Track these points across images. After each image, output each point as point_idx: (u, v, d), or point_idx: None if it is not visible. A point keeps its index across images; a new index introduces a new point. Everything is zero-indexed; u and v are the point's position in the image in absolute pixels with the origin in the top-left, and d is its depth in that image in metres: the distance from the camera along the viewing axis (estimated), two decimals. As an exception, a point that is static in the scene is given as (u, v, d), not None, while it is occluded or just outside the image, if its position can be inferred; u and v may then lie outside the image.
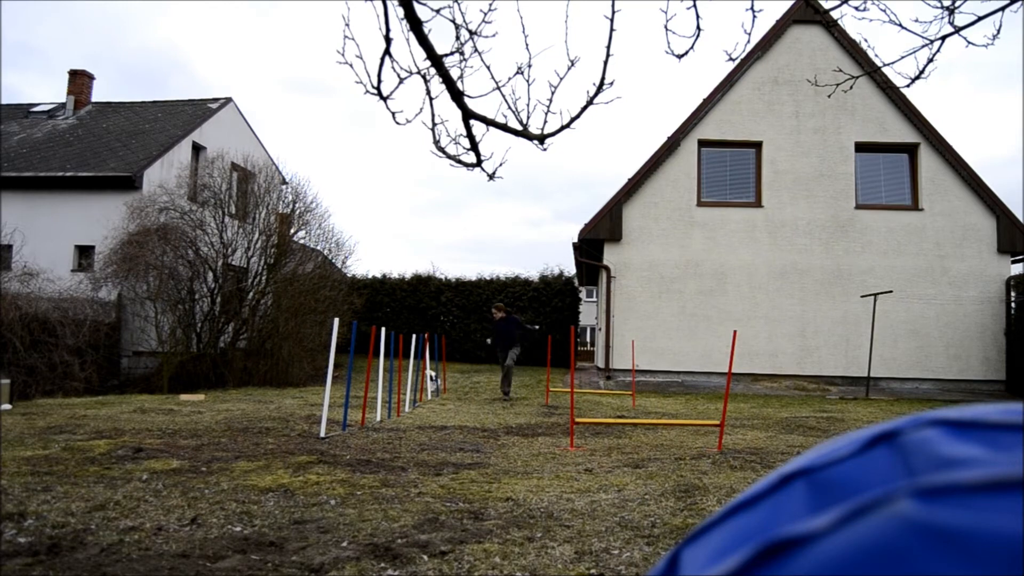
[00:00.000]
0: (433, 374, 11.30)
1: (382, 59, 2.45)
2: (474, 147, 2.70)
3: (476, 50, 2.50)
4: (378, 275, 20.98)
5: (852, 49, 13.38)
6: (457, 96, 2.52)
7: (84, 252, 15.71)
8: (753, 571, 0.23)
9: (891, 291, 13.27)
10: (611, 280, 13.99)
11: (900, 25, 3.46)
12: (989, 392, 13.41)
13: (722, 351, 13.28)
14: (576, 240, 14.74)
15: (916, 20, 3.50)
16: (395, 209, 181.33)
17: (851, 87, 4.86)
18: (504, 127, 2.59)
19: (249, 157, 17.61)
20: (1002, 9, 3.41)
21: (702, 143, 14.35)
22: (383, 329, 8.11)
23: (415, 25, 2.32)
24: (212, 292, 15.00)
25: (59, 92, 26.51)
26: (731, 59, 3.13)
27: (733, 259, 13.95)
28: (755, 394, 12.43)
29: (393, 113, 2.58)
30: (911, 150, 14.15)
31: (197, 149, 17.74)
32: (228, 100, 19.21)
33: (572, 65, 2.54)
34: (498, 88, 2.52)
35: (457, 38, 2.47)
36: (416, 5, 2.29)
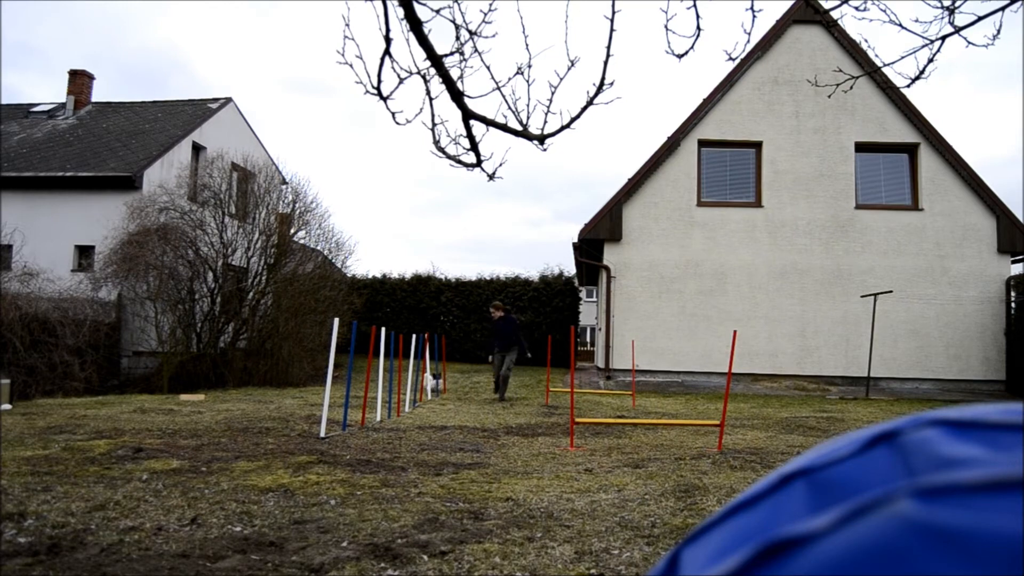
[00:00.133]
0: (434, 381, 11.28)
1: (382, 59, 2.45)
2: (474, 147, 2.70)
3: (476, 50, 2.50)
4: (378, 275, 21.00)
5: (852, 49, 13.38)
6: (457, 96, 2.52)
7: (84, 252, 15.71)
8: (753, 571, 0.23)
9: (891, 291, 13.27)
10: (611, 280, 13.99)
11: (900, 25, 3.46)
12: (989, 392, 13.41)
13: (722, 351, 13.28)
14: (576, 240, 14.75)
15: (916, 20, 3.50)
16: (395, 209, 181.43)
17: (851, 87, 4.86)
18: (504, 127, 2.59)
19: (249, 157, 17.61)
20: (1002, 9, 3.41)
21: (702, 143, 14.36)
22: (383, 329, 8.11)
23: (415, 25, 2.32)
24: (212, 292, 15.00)
25: (59, 92, 26.53)
26: (731, 59, 3.13)
27: (733, 259, 13.95)
28: (755, 394, 12.43)
29: (393, 113, 2.58)
30: (911, 150, 14.15)
31: (197, 149, 17.75)
32: (228, 100, 19.21)
33: (572, 65, 2.54)
34: (498, 88, 2.52)
35: (457, 38, 2.47)
36: (416, 5, 2.29)
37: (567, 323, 19.10)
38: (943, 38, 3.47)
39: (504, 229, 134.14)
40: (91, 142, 17.39)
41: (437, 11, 2.35)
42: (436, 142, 2.69)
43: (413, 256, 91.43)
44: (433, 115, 2.62)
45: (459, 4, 2.45)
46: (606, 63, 2.53)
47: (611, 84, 2.54)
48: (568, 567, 2.83)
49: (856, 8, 3.42)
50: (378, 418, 7.75)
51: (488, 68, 2.51)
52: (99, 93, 30.37)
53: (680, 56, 2.68)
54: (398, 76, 2.49)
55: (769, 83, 14.27)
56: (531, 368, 16.72)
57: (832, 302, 13.78)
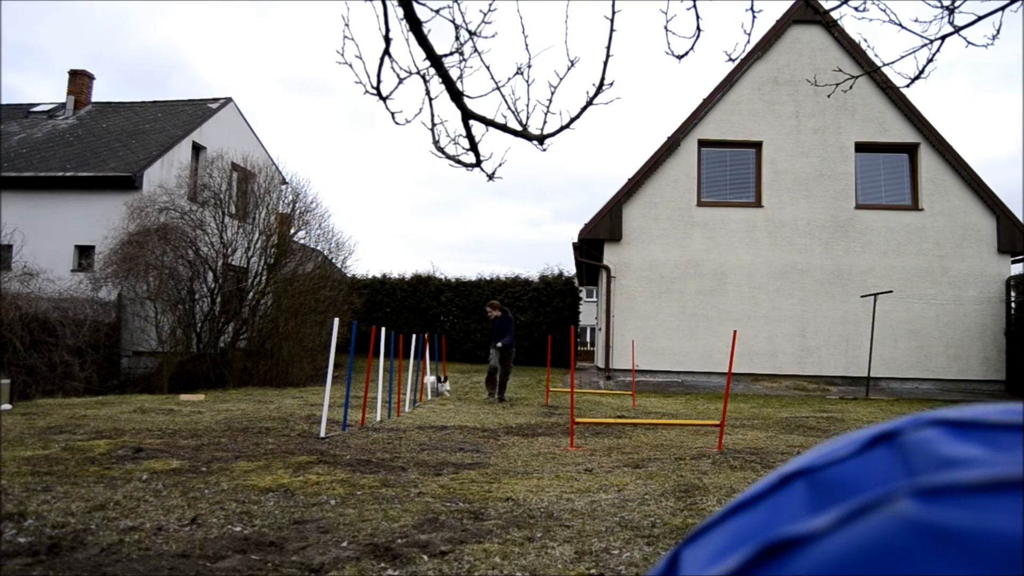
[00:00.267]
0: (438, 385, 11.26)
1: (382, 59, 2.45)
2: (474, 147, 2.70)
3: (476, 50, 2.50)
4: (378, 275, 21.00)
5: (852, 49, 13.38)
6: (457, 96, 2.51)
7: (84, 252, 15.72)
8: (753, 571, 0.23)
9: (891, 291, 13.27)
10: (611, 280, 13.99)
11: (900, 25, 3.46)
12: (989, 392, 13.41)
13: (722, 351, 13.28)
14: (576, 240, 14.75)
15: (916, 20, 3.50)
16: (395, 209, 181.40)
17: (851, 87, 4.86)
18: (504, 127, 2.59)
19: (249, 157, 17.61)
20: (1002, 9, 3.41)
21: (702, 143, 14.36)
22: (383, 329, 8.11)
23: (415, 25, 2.32)
24: (212, 292, 15.00)
25: (59, 92, 26.53)
26: (731, 59, 3.13)
27: (733, 259, 13.95)
28: (755, 394, 12.43)
29: (393, 113, 2.58)
30: (911, 150, 14.15)
31: (197, 149, 17.75)
32: (228, 100, 19.22)
33: (572, 65, 2.54)
34: (498, 88, 2.52)
35: (457, 38, 2.47)
36: (416, 5, 2.29)
37: (567, 323, 19.11)
38: (943, 38, 3.47)
39: (504, 229, 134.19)
40: (91, 142, 17.39)
41: (437, 11, 2.35)
42: (436, 142, 2.69)
43: (413, 256, 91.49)
44: (433, 115, 2.62)
45: (459, 4, 2.45)
46: (606, 63, 2.53)
47: (611, 84, 2.54)
48: (568, 567, 2.83)
49: (856, 8, 3.42)
50: (378, 418, 7.75)
51: (488, 68, 2.51)
52: (99, 93, 30.38)
53: (680, 57, 2.68)
54: (398, 76, 2.49)
55: (769, 83, 14.27)
56: (531, 368, 16.72)
57: (832, 302, 13.78)
